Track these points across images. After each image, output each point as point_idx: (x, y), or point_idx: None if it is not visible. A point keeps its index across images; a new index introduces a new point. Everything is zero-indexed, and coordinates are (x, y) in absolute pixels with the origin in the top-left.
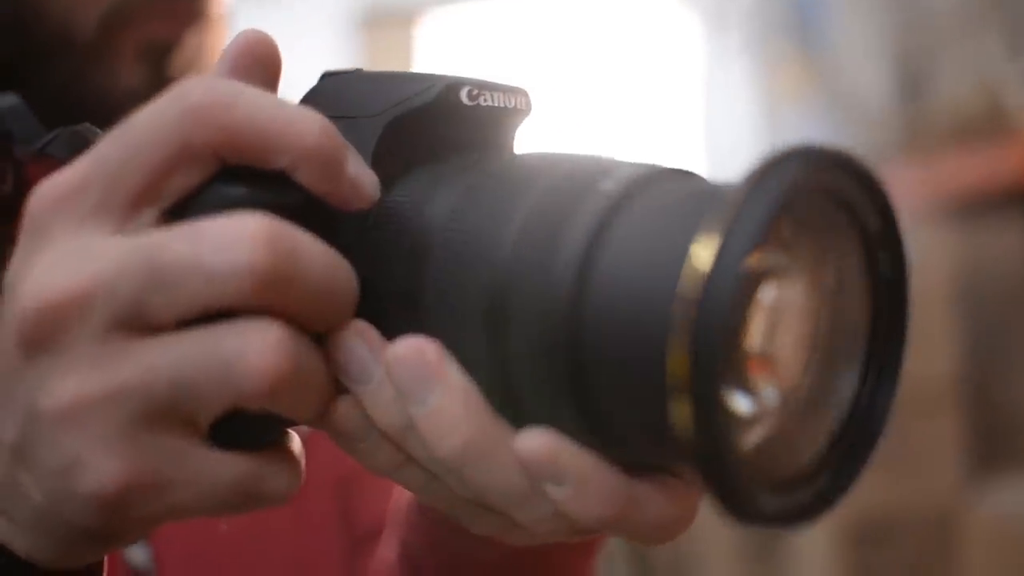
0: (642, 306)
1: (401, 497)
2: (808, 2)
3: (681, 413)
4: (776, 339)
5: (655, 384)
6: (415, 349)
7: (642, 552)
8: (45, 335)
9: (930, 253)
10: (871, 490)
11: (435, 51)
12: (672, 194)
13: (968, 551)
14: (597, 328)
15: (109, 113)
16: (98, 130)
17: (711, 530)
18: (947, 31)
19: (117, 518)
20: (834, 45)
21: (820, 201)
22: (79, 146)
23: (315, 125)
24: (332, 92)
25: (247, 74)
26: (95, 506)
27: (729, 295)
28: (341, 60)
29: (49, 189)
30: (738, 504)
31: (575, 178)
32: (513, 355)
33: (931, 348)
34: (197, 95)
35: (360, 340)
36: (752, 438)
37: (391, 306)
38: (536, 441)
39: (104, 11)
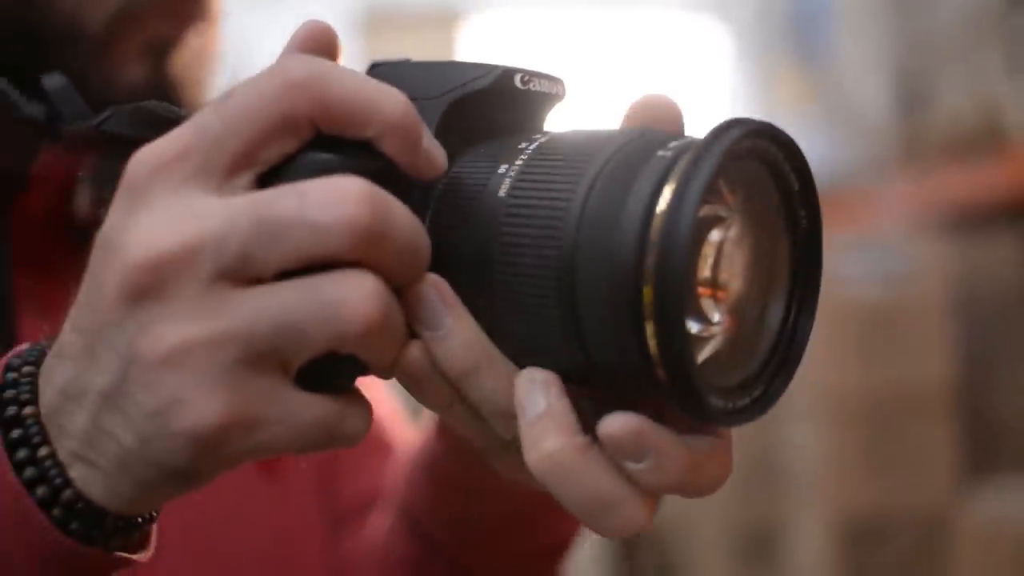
0: (630, 253)
1: (394, 473)
2: (809, 15)
3: (652, 333)
4: (721, 275)
5: (636, 314)
6: (540, 373)
7: (632, 552)
8: (152, 284)
9: (927, 263)
10: (865, 492)
11: (476, 55)
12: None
13: (959, 553)
14: (652, 282)
15: (106, 104)
16: (167, 105)
17: (703, 530)
18: (947, 47)
19: (209, 456)
20: (834, 58)
21: (752, 164)
22: (148, 121)
23: (400, 100)
24: (388, 78)
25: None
26: (191, 444)
27: (682, 239)
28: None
29: (148, 154)
30: (694, 403)
31: (634, 150)
32: (583, 300)
33: (926, 355)
34: (298, 71)
35: (434, 291)
36: (704, 352)
37: (460, 267)
38: (619, 424)
39: (112, 9)
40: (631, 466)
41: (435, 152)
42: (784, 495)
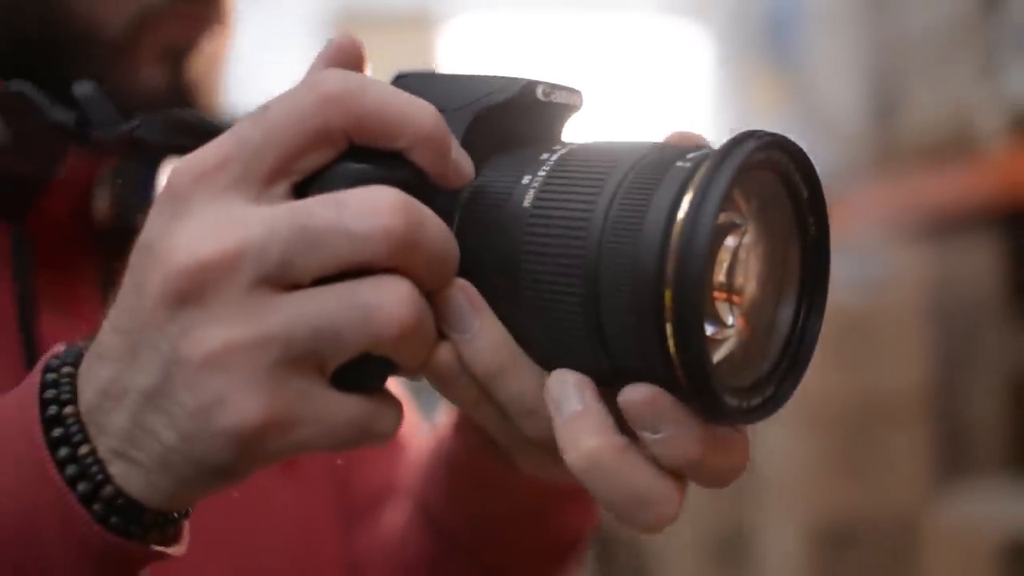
0: (652, 259)
1: (408, 469)
2: (784, 21)
3: (671, 334)
4: (736, 279)
5: (657, 317)
6: (574, 375)
7: (607, 555)
8: (194, 290)
9: (901, 269)
10: (839, 496)
11: (454, 58)
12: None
13: (932, 557)
14: (672, 287)
15: (129, 110)
16: (198, 113)
17: (678, 533)
18: (920, 53)
19: (248, 454)
20: (809, 63)
21: (765, 174)
22: (179, 128)
23: (431, 113)
24: (414, 89)
25: (339, 67)
26: (232, 442)
27: (700, 245)
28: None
29: (190, 163)
30: (710, 402)
31: (653, 161)
32: (606, 304)
33: (901, 360)
34: (333, 84)
35: (463, 296)
36: (719, 354)
37: (485, 271)
38: (639, 393)
39: (131, 15)
40: (649, 437)
41: (463, 162)
42: (758, 499)
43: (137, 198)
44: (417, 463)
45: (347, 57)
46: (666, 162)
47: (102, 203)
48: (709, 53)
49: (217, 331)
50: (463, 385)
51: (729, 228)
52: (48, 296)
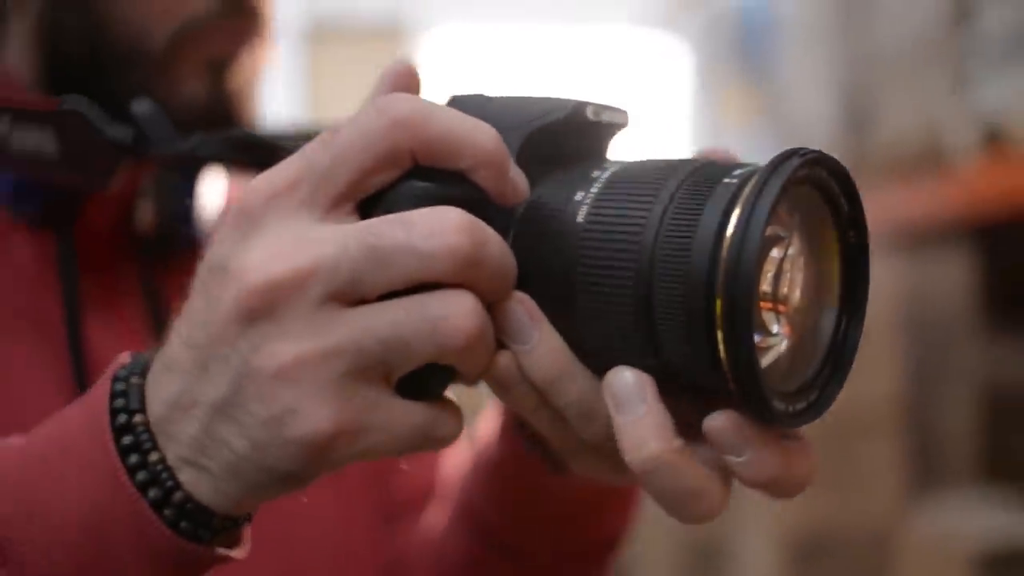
0: (703, 270)
1: (448, 471)
2: (756, 33)
3: (721, 341)
4: (781, 289)
5: (708, 325)
6: (635, 375)
7: None
8: (266, 306)
9: (874, 282)
10: (814, 507)
11: (430, 68)
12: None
13: (905, 567)
14: (723, 295)
15: (173, 121)
16: (256, 132)
17: (652, 544)
18: (892, 67)
19: (317, 460)
20: (782, 75)
21: (807, 189)
22: (238, 146)
23: (492, 135)
24: (468, 111)
25: (399, 91)
26: (304, 450)
27: (749, 258)
28: (288, 73)
29: (261, 185)
30: (760, 406)
31: (701, 176)
32: (660, 316)
33: (874, 373)
34: (402, 109)
35: (522, 308)
36: (766, 360)
37: (541, 284)
38: (722, 421)
39: (174, 29)
40: (731, 459)
41: (519, 181)
42: (734, 509)
43: (178, 208)
44: (457, 466)
45: (406, 81)
46: (715, 178)
47: (145, 213)
48: (684, 64)
49: (288, 345)
50: (522, 392)
51: (774, 240)
52: (92, 302)
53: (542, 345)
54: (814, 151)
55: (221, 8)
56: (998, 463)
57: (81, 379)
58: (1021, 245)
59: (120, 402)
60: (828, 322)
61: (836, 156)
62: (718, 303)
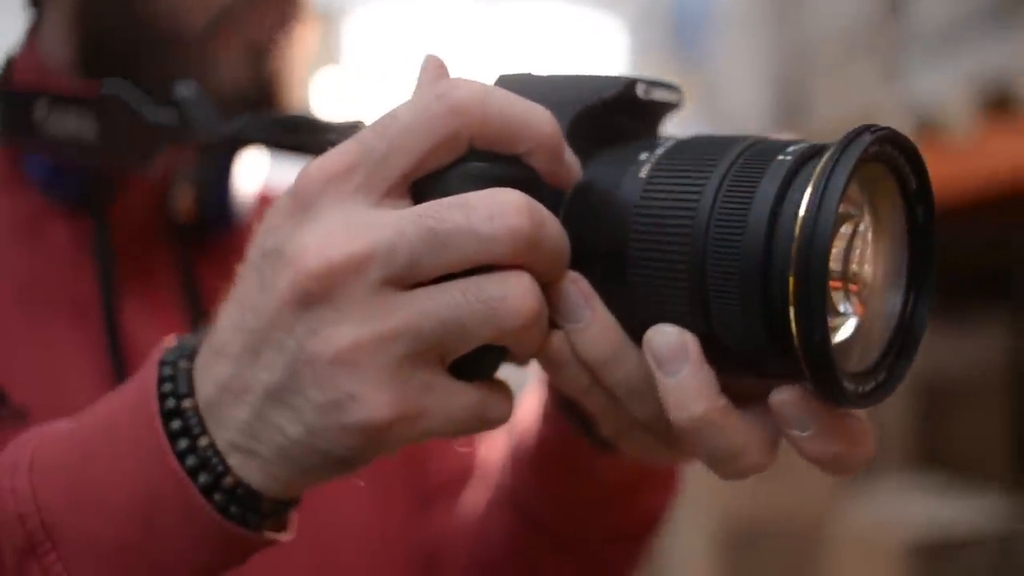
0: (781, 249)
1: (487, 453)
2: (690, 20)
3: (794, 318)
4: (851, 267)
5: (784, 300)
6: (678, 334)
7: None
8: (323, 291)
9: None
10: (746, 496)
11: (360, 48)
12: (812, 165)
13: (837, 557)
14: (774, 270)
15: (246, 116)
16: (308, 115)
17: None
18: (826, 56)
19: (374, 444)
20: (715, 63)
21: (877, 166)
22: (283, 129)
23: (548, 119)
24: (518, 89)
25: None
26: (362, 435)
27: (822, 236)
28: None
29: (316, 170)
30: (830, 387)
31: (754, 154)
32: (714, 294)
33: None
34: (460, 94)
35: (576, 288)
36: (836, 339)
37: (593, 263)
38: (788, 394)
39: (214, 13)
40: (796, 434)
41: (573, 163)
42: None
43: (216, 193)
44: (494, 448)
45: (442, 71)
46: (769, 153)
47: (181, 198)
48: (621, 46)
49: (346, 329)
50: (574, 372)
51: (845, 218)
52: (128, 285)
53: (595, 324)
54: (885, 128)
55: None
56: (932, 451)
57: (118, 362)
58: (956, 235)
59: (168, 386)
60: (896, 300)
61: None
62: (791, 280)
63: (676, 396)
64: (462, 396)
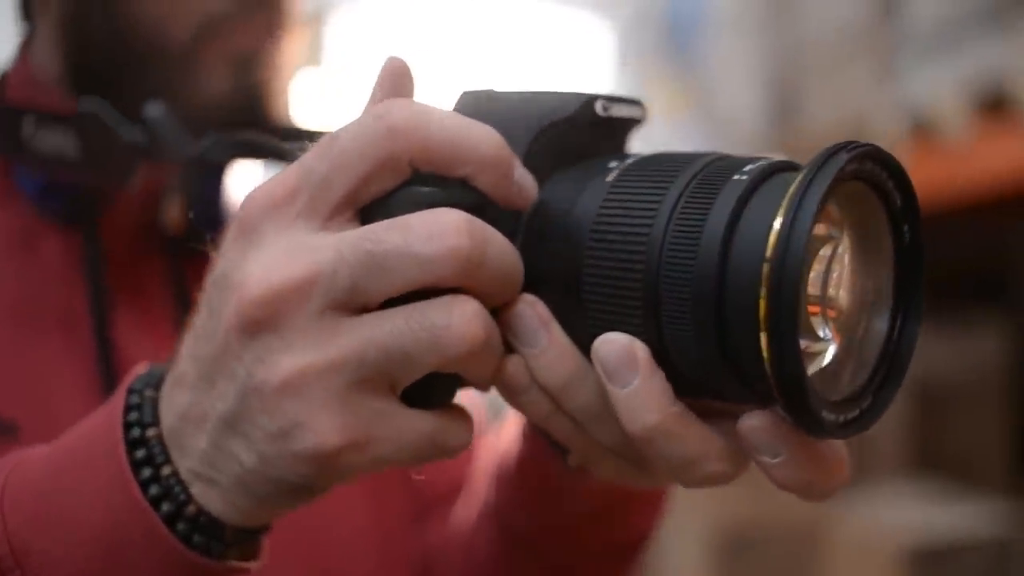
0: (747, 271)
1: (478, 467)
2: (684, 23)
3: (765, 346)
4: (829, 293)
5: (751, 325)
6: (626, 341)
7: None
8: (267, 318)
9: None
10: (741, 501)
11: (344, 49)
12: (779, 182)
13: (832, 562)
14: (734, 296)
15: (198, 118)
16: (264, 136)
17: None
18: (820, 57)
19: (327, 472)
20: (709, 66)
21: (858, 185)
22: (244, 151)
23: (494, 140)
24: (476, 108)
25: (395, 92)
26: (311, 463)
27: (795, 257)
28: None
29: (259, 196)
30: (806, 418)
31: (710, 174)
32: (667, 319)
33: None
34: (398, 115)
35: (532, 311)
36: (813, 367)
37: (550, 286)
38: (758, 420)
39: (197, 23)
40: (766, 460)
41: (526, 183)
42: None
43: (205, 206)
44: (485, 461)
45: (399, 79)
46: (726, 173)
47: (172, 211)
48: (611, 48)
49: (292, 357)
50: (534, 398)
51: (823, 240)
52: (120, 299)
53: (552, 349)
54: (864, 145)
55: (242, 2)
56: (928, 455)
57: (109, 376)
58: (950, 236)
59: (134, 415)
60: (881, 324)
61: (764, 146)
62: (762, 305)
63: (628, 406)
64: (415, 423)
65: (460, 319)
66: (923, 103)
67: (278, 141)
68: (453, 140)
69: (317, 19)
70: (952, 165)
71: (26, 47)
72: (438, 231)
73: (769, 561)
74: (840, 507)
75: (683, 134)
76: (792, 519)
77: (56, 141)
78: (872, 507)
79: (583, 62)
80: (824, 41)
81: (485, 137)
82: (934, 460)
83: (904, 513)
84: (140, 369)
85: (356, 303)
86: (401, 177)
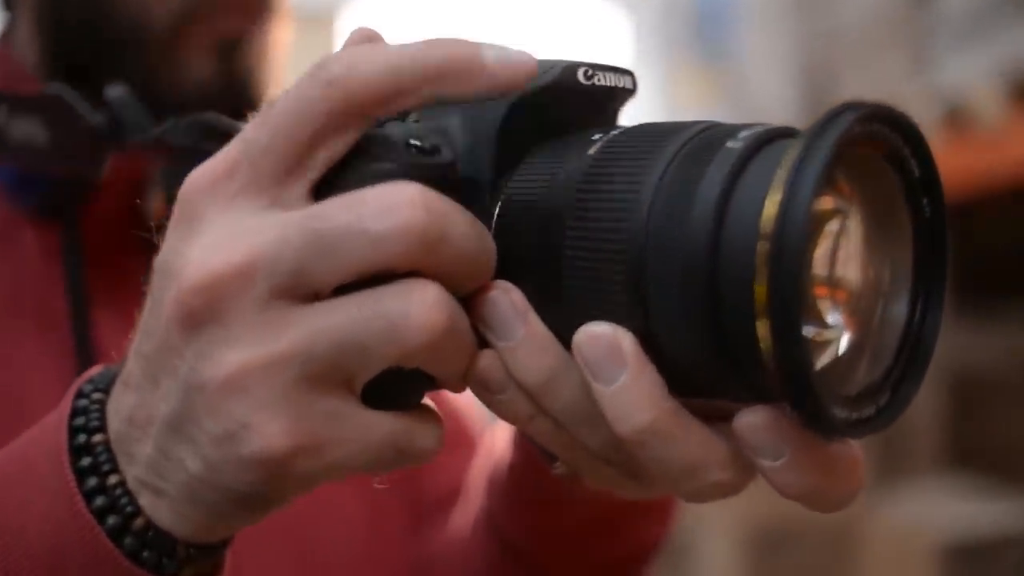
0: (742, 248)
1: (478, 469)
2: (714, 13)
3: (764, 334)
4: (838, 272)
5: (747, 311)
6: (610, 332)
7: None
8: (207, 308)
9: None
10: (776, 497)
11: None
12: (774, 149)
13: (870, 558)
14: (729, 277)
15: (181, 105)
16: (223, 117)
17: None
18: (852, 46)
19: (278, 480)
20: (740, 56)
21: (868, 151)
22: (202, 133)
23: (447, 44)
24: None
25: None
26: (259, 469)
27: (797, 233)
28: None
29: (199, 175)
30: (814, 415)
31: (701, 143)
32: (654, 306)
33: None
34: (334, 66)
35: (507, 298)
36: (823, 359)
37: (527, 271)
38: (757, 416)
39: (178, 8)
40: (767, 463)
41: (512, 58)
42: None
43: None
44: (485, 463)
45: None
46: (717, 141)
47: (154, 202)
48: (634, 42)
49: (234, 351)
50: (512, 397)
51: (829, 214)
52: (100, 294)
53: (530, 341)
54: (873, 103)
55: None
56: (965, 451)
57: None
58: (986, 225)
59: (80, 420)
60: (900, 310)
61: None
62: (758, 290)
63: (616, 405)
64: (375, 425)
65: (419, 306)
66: (957, 90)
67: (236, 123)
68: (395, 69)
69: (327, 19)
70: (987, 152)
71: (6, 36)
72: (391, 205)
73: (803, 558)
74: (875, 504)
75: None
76: (827, 516)
77: (27, 129)
78: (907, 503)
79: (602, 54)
80: (856, 29)
81: (436, 47)
82: (970, 455)
83: (940, 509)
84: (93, 371)
85: (305, 290)
86: (351, 140)
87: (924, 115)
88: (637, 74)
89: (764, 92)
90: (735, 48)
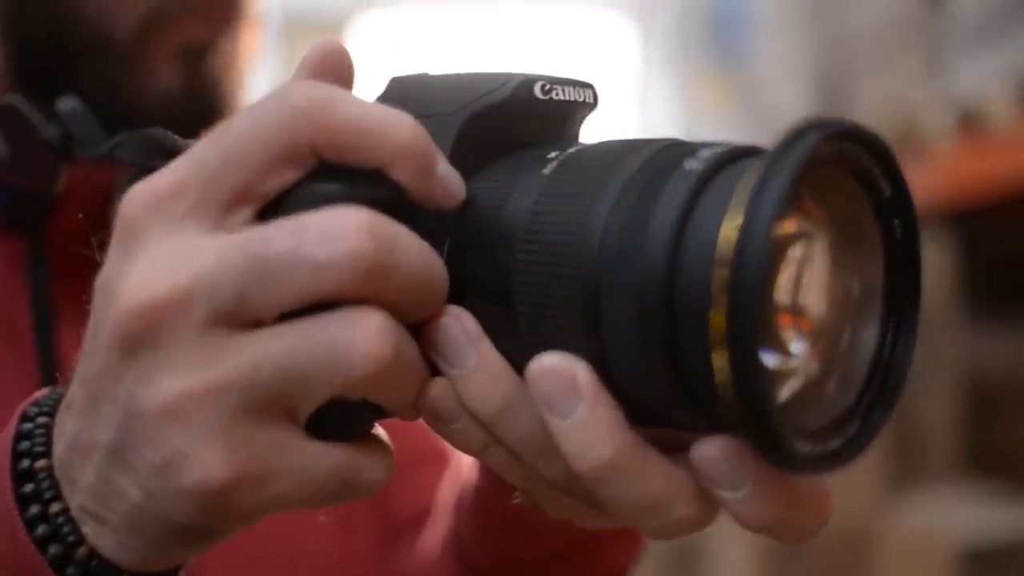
0: (698, 276)
1: (445, 494)
2: (729, 19)
3: (721, 365)
4: (802, 299)
5: (703, 341)
6: (565, 364)
7: None
8: (146, 333)
9: None
10: None
11: (364, 57)
12: (737, 170)
13: (885, 564)
14: (686, 305)
15: (146, 115)
16: (171, 134)
17: None
18: (866, 52)
19: (218, 512)
20: (755, 62)
21: (836, 171)
22: (151, 150)
23: (409, 125)
24: (404, 93)
25: (324, 80)
26: (198, 500)
27: (757, 258)
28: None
29: (143, 192)
30: (774, 449)
31: (658, 163)
32: (609, 334)
33: None
34: (299, 96)
35: (458, 324)
36: (786, 390)
37: (480, 297)
38: (715, 447)
39: (141, 15)
40: (727, 495)
41: (450, 179)
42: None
43: None
44: (456, 480)
45: (331, 67)
46: (674, 162)
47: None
48: (645, 50)
49: (173, 379)
50: (465, 427)
51: (793, 238)
52: (66, 307)
53: (482, 369)
54: (840, 121)
55: None
56: (981, 456)
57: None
58: (1000, 230)
59: (24, 445)
60: (870, 335)
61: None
62: (714, 317)
63: (573, 440)
64: (320, 457)
65: (364, 334)
66: (970, 95)
67: (185, 141)
68: (361, 124)
69: (334, 29)
70: (1001, 156)
71: None
72: (335, 231)
73: (819, 564)
74: (891, 510)
75: (729, 132)
76: (842, 521)
77: None
78: (923, 509)
79: (610, 63)
80: (870, 34)
81: (400, 124)
82: (986, 461)
83: (956, 515)
84: (40, 394)
85: (246, 316)
86: (304, 169)
87: (938, 120)
88: (648, 82)
89: (779, 97)
90: (750, 54)
